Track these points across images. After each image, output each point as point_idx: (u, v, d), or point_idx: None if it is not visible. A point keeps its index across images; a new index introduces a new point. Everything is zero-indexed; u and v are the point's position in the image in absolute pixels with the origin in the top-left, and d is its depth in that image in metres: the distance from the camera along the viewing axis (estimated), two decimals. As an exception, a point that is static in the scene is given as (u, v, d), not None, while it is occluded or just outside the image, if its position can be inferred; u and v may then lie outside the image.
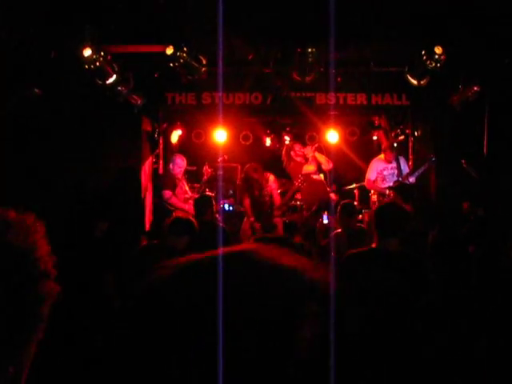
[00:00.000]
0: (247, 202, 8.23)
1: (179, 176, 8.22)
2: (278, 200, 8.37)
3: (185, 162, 8.30)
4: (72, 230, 5.41)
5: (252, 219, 8.08)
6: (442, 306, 5.72)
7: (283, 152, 8.94)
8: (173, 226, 4.66)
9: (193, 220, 4.94)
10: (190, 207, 7.70)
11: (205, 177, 8.37)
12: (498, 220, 6.31)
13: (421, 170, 7.79)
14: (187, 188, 8.34)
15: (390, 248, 3.46)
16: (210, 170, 8.42)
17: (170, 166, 8.23)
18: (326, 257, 6.82)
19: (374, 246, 3.59)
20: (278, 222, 8.24)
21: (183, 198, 8.07)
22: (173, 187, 8.02)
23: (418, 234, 5.95)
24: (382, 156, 8.25)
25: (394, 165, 8.06)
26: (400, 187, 6.51)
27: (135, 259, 4.60)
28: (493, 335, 3.02)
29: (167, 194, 7.90)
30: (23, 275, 0.79)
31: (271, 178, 8.42)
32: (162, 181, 8.26)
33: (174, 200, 7.89)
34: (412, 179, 7.83)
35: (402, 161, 8.20)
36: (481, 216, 6.61)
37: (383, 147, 8.33)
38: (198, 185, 8.49)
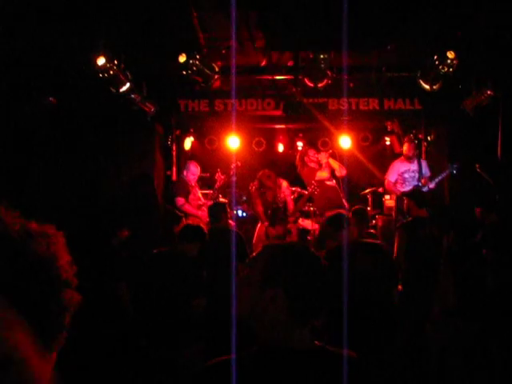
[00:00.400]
0: (260, 208, 8.25)
1: (193, 183, 8.27)
2: (291, 206, 8.37)
3: (199, 168, 8.35)
4: (88, 238, 5.46)
5: (266, 224, 8.10)
6: (457, 311, 5.71)
7: (297, 157, 8.92)
8: (184, 233, 4.71)
9: (203, 227, 4.98)
10: (203, 214, 7.74)
11: (218, 183, 8.40)
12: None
13: (441, 177, 7.69)
14: (200, 195, 8.38)
15: None
16: (222, 177, 8.44)
17: (184, 172, 8.29)
18: (335, 261, 6.81)
19: None
20: (292, 227, 8.26)
21: (196, 205, 8.11)
22: (186, 194, 8.06)
23: (432, 239, 5.93)
24: (405, 156, 8.11)
25: (416, 168, 7.93)
26: (413, 193, 6.48)
27: (147, 267, 4.64)
28: (507, 340, 3.01)
29: (180, 201, 7.95)
30: (46, 284, 0.81)
31: (284, 184, 8.43)
32: (175, 188, 8.30)
33: (187, 207, 7.93)
34: (432, 185, 7.75)
35: (424, 164, 8.08)
36: (494, 221, 6.57)
37: (403, 148, 8.20)
38: (211, 191, 8.52)
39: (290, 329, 1.62)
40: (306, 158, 8.76)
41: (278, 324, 1.62)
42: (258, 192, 8.36)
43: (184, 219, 7.42)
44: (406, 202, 6.87)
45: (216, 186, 8.44)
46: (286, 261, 1.66)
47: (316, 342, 1.65)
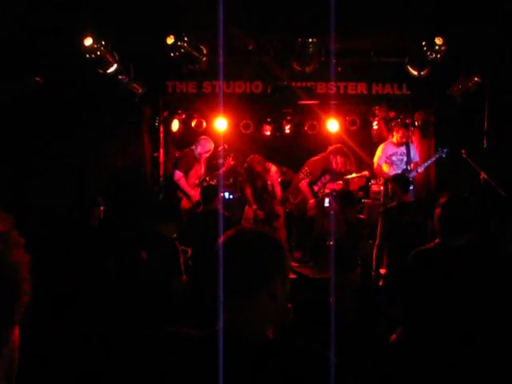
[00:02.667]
0: (249, 191, 8.30)
1: (200, 158, 8.23)
2: (279, 191, 8.43)
3: (211, 144, 8.31)
4: (70, 217, 5.49)
5: (255, 207, 8.15)
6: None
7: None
8: (160, 214, 4.77)
9: (180, 207, 5.01)
10: (195, 193, 7.80)
11: (223, 168, 8.41)
12: (497, 211, 6.34)
13: (431, 161, 7.69)
14: (203, 172, 8.35)
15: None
16: (232, 163, 8.50)
17: (193, 146, 8.27)
18: (321, 243, 6.89)
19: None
20: (280, 211, 8.32)
21: (192, 183, 8.09)
22: (186, 169, 8.07)
23: (416, 224, 5.99)
24: (394, 139, 8.09)
25: (404, 151, 7.91)
26: (398, 178, 6.51)
27: (129, 246, 4.67)
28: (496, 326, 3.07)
29: (178, 174, 7.97)
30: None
31: (273, 168, 8.47)
32: (178, 160, 8.29)
33: (182, 182, 7.94)
34: (421, 170, 7.77)
35: (413, 148, 8.04)
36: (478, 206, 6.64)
37: (395, 130, 8.16)
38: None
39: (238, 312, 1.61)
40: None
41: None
42: (247, 176, 8.40)
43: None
44: (390, 186, 6.92)
45: (221, 171, 8.44)
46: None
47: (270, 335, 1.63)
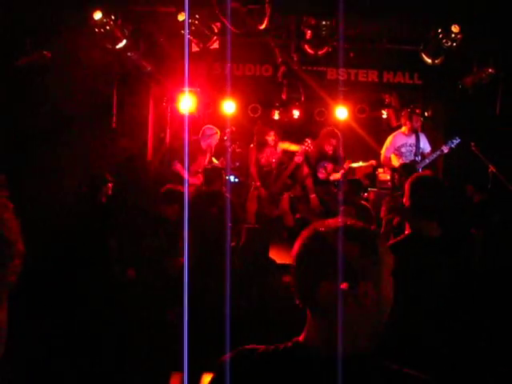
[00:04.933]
0: (254, 168, 8.23)
1: (206, 148, 8.12)
2: (287, 172, 8.32)
3: (217, 134, 8.23)
4: (79, 195, 5.48)
5: (258, 184, 8.08)
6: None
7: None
8: (163, 196, 4.75)
9: (182, 191, 4.99)
10: (196, 180, 7.66)
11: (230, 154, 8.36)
12: (503, 204, 6.27)
13: (441, 152, 7.43)
14: (207, 162, 8.22)
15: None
16: (238, 151, 8.44)
17: (199, 137, 8.19)
18: None
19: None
20: (285, 196, 8.24)
21: (194, 171, 7.98)
22: (189, 161, 7.96)
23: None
24: (403, 129, 7.90)
25: (413, 141, 7.72)
26: (406, 166, 6.43)
27: (131, 226, 4.65)
28: (494, 318, 3.01)
29: (177, 165, 7.86)
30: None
31: (282, 145, 8.46)
32: (178, 152, 8.23)
33: (177, 167, 7.83)
34: (429, 160, 7.59)
35: (423, 138, 7.84)
36: (485, 199, 6.58)
37: (403, 118, 7.98)
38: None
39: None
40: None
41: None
42: (255, 150, 8.32)
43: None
44: (397, 176, 6.83)
45: (227, 155, 8.37)
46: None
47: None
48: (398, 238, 3.07)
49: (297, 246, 1.44)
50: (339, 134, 8.39)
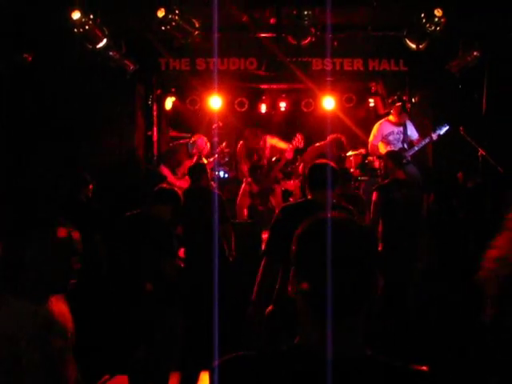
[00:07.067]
0: (245, 167, 8.20)
1: (195, 156, 8.04)
2: (278, 166, 8.29)
3: (207, 143, 8.17)
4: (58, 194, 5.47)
5: (250, 180, 8.04)
6: (436, 273, 5.72)
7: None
8: (157, 195, 4.68)
9: (177, 190, 4.94)
10: (181, 182, 7.57)
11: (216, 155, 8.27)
12: (493, 189, 6.26)
13: (429, 139, 7.36)
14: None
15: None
16: (226, 150, 8.39)
17: (188, 143, 8.13)
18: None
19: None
20: (277, 188, 8.21)
21: (181, 173, 7.90)
22: (175, 165, 7.91)
23: (410, 201, 5.91)
24: (390, 117, 7.79)
25: (401, 129, 7.63)
26: (392, 153, 6.40)
27: (121, 228, 4.59)
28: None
29: (164, 170, 7.81)
30: None
31: (271, 141, 8.45)
32: (166, 155, 8.18)
33: (168, 175, 7.78)
34: (418, 148, 7.52)
35: (410, 125, 7.74)
36: (475, 185, 6.56)
37: (394, 110, 7.88)
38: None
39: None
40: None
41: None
42: (244, 151, 8.29)
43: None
44: (384, 162, 6.78)
45: (215, 153, 8.27)
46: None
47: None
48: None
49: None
50: (344, 143, 8.34)
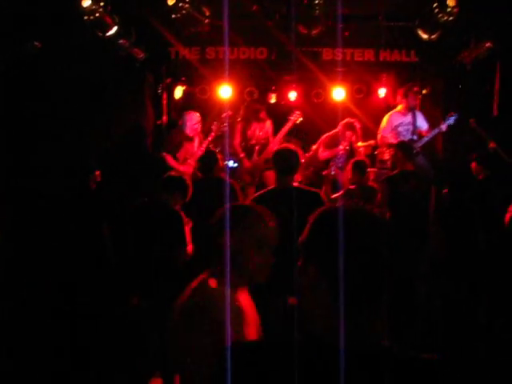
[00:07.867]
0: (237, 141, 8.12)
1: (191, 134, 7.91)
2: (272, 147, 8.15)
3: (196, 116, 7.93)
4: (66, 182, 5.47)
5: (242, 155, 8.03)
6: (446, 264, 5.69)
7: None
8: (165, 184, 4.67)
9: (185, 178, 4.92)
10: (187, 168, 7.46)
11: (212, 134, 8.11)
12: (505, 181, 6.21)
13: (439, 130, 7.31)
14: (196, 148, 8.00)
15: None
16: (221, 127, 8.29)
17: (181, 124, 7.96)
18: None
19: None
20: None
21: (183, 158, 7.81)
22: (173, 149, 7.77)
23: (419, 193, 5.89)
24: (399, 108, 7.75)
25: (410, 120, 7.58)
26: (402, 144, 6.37)
27: (130, 216, 4.58)
28: (495, 293, 2.96)
29: (166, 157, 7.73)
30: None
31: (268, 123, 8.33)
32: (163, 143, 8.10)
33: (170, 161, 7.70)
34: (428, 139, 7.47)
35: (419, 116, 7.70)
36: (489, 176, 6.50)
37: (399, 95, 7.80)
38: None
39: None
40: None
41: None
42: (240, 123, 8.21)
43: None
44: (393, 153, 6.75)
45: (210, 138, 8.16)
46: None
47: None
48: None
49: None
50: (358, 126, 8.26)
